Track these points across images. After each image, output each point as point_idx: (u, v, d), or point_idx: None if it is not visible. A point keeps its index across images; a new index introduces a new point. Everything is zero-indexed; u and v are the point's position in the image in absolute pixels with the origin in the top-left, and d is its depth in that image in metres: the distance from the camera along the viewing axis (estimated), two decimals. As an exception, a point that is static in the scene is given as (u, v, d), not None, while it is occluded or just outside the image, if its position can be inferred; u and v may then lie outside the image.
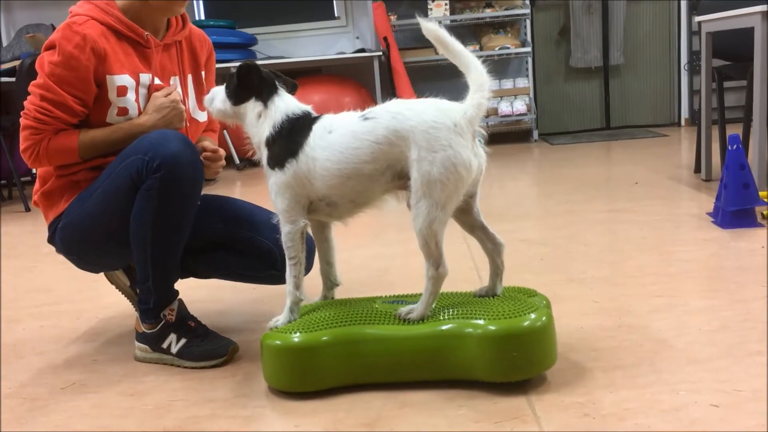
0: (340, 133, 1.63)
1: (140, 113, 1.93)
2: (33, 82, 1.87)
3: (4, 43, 6.80)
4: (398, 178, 1.63)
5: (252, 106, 1.74)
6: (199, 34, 2.13)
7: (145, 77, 1.94)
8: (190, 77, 2.08)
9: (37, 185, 2.01)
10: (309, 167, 1.64)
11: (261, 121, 1.73)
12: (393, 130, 1.58)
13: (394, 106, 1.62)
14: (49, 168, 1.96)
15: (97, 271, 2.12)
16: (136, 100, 1.92)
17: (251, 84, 1.73)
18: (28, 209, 4.87)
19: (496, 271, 1.74)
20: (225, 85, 1.81)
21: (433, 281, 1.63)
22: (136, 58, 1.94)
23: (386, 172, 1.62)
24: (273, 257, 1.95)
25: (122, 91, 1.89)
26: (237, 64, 1.96)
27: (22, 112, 1.87)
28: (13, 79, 5.15)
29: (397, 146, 1.58)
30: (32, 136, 1.86)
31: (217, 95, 1.81)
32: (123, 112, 1.91)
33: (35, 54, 5.54)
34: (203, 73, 2.13)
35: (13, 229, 4.29)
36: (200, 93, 2.08)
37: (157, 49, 1.97)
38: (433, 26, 1.57)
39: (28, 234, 4.13)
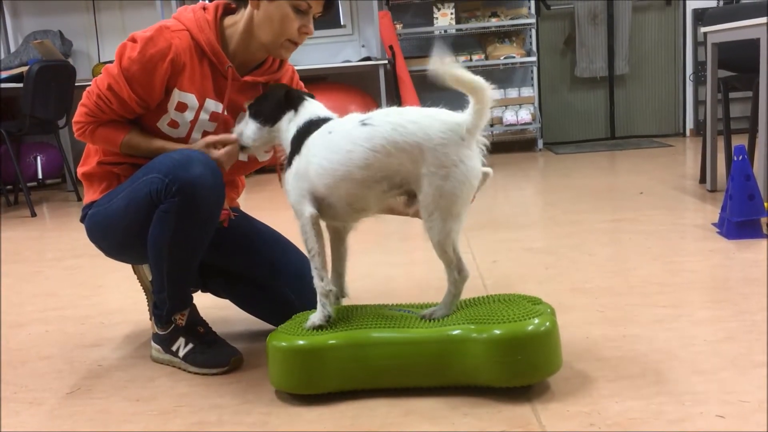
0: (338, 134, 1.67)
1: (189, 135, 1.92)
2: (108, 67, 1.86)
3: (12, 49, 6.84)
4: (396, 188, 1.64)
5: (287, 118, 1.78)
6: (290, 78, 2.08)
7: (211, 104, 1.91)
8: None
9: (81, 161, 2.03)
10: (308, 162, 1.69)
11: (290, 126, 1.77)
12: (393, 141, 1.57)
13: (394, 116, 1.61)
14: (95, 146, 1.98)
15: (122, 262, 2.11)
16: (192, 121, 1.90)
17: (288, 104, 1.78)
18: (34, 214, 4.89)
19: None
20: (250, 113, 1.82)
21: (456, 284, 1.69)
22: (211, 83, 1.91)
23: (382, 182, 1.62)
24: (291, 307, 1.94)
25: (181, 107, 1.88)
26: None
27: (87, 88, 1.88)
28: (20, 85, 5.18)
29: (395, 158, 1.58)
30: (86, 116, 1.87)
31: (248, 127, 1.82)
32: (174, 124, 1.90)
33: (42, 60, 5.57)
34: None
35: (19, 234, 4.30)
36: None
37: (234, 83, 1.92)
38: (442, 68, 1.51)
39: (33, 239, 4.15)
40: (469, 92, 1.54)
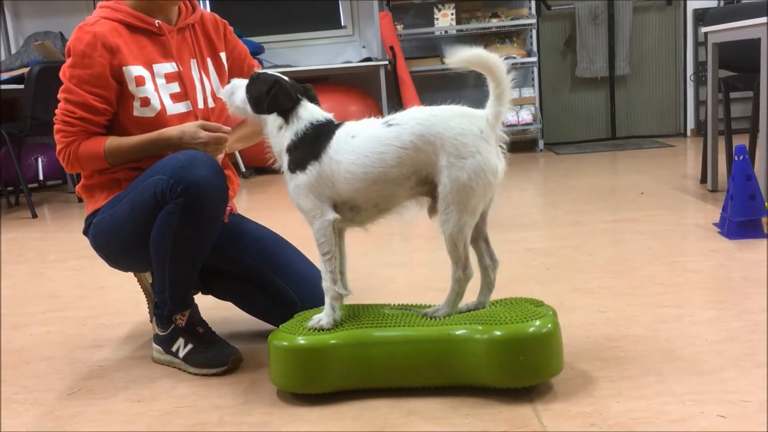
0: (364, 138, 1.66)
1: (162, 103, 1.95)
2: (60, 89, 1.92)
3: (13, 51, 6.84)
4: (422, 184, 1.67)
5: (273, 119, 1.76)
6: (211, 17, 2.15)
7: (159, 67, 1.96)
8: (209, 60, 2.09)
9: (82, 177, 2.04)
10: (332, 169, 1.67)
11: (282, 132, 1.75)
12: (419, 135, 1.62)
13: (417, 112, 1.66)
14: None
15: (125, 270, 2.12)
16: (156, 90, 1.94)
17: (276, 105, 1.74)
18: (35, 215, 4.89)
19: (489, 286, 1.76)
20: (248, 85, 1.80)
21: (459, 282, 1.68)
22: (152, 49, 1.97)
23: (411, 177, 1.65)
24: (294, 309, 1.94)
25: (140, 81, 1.92)
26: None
27: (54, 118, 1.92)
28: (21, 86, 5.18)
29: (423, 151, 1.62)
30: (63, 139, 1.92)
31: (238, 91, 1.81)
32: (145, 102, 1.93)
33: (44, 62, 5.57)
34: (223, 54, 2.13)
35: (20, 236, 4.30)
36: (222, 75, 2.11)
37: (171, 34, 1.99)
38: (460, 57, 1.58)
39: (34, 240, 4.15)
40: (485, 71, 1.59)
